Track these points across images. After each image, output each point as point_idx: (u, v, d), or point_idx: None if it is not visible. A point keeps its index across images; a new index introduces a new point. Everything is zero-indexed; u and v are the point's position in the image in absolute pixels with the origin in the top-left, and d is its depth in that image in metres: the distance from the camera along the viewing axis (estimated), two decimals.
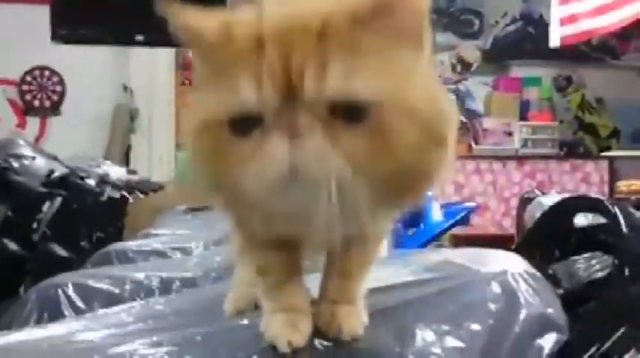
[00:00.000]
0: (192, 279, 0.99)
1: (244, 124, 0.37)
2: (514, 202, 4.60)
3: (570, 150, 5.28)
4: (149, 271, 1.03)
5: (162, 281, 0.98)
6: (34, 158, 1.97)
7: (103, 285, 0.99)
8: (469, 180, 4.58)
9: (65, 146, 4.89)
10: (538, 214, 1.89)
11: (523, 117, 5.53)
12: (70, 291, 1.01)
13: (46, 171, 1.93)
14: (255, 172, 0.36)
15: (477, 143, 5.26)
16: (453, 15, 5.73)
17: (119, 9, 3.94)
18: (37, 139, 5.17)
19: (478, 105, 5.71)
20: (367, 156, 0.36)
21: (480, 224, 4.47)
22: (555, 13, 4.53)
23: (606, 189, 4.63)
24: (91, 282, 1.01)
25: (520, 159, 4.73)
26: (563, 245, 0.78)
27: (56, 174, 1.94)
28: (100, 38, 4.08)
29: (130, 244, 1.58)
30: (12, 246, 1.93)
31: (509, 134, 5.30)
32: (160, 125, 5.22)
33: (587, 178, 4.68)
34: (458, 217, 1.30)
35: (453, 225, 1.30)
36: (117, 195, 2.86)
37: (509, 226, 4.49)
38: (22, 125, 5.16)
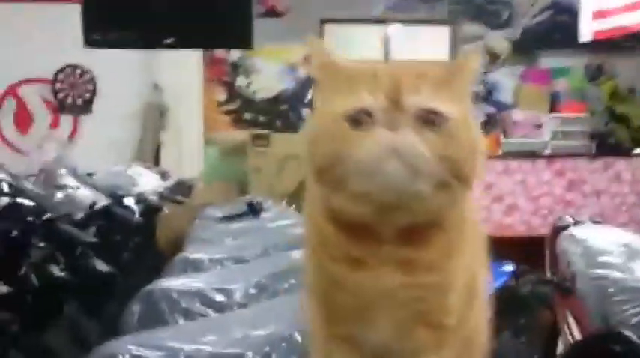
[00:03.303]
0: (240, 355, 1.05)
1: (358, 119, 0.54)
2: (543, 202, 4.58)
3: (601, 142, 5.21)
4: (200, 343, 1.09)
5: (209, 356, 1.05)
6: (77, 188, 2.04)
7: None
8: (498, 180, 4.57)
9: (98, 144, 5.00)
10: (572, 248, 1.90)
11: (553, 108, 5.47)
12: None
13: (88, 202, 1.99)
14: (366, 149, 0.53)
15: (505, 136, 5.22)
16: (482, 5, 5.65)
17: (149, 13, 3.99)
18: (71, 137, 5.29)
19: (507, 97, 5.65)
20: (438, 149, 0.54)
21: (509, 224, 4.47)
22: (586, 7, 4.45)
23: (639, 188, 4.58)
24: (147, 353, 1.07)
25: (550, 158, 4.68)
26: None
27: (99, 205, 2.00)
28: (131, 42, 4.14)
29: (173, 284, 1.64)
30: (55, 270, 2.00)
31: (539, 126, 5.25)
32: (189, 122, 5.29)
33: (618, 176, 4.62)
34: (495, 286, 1.32)
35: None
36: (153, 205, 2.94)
37: (538, 226, 4.47)
38: (55, 123, 5.28)
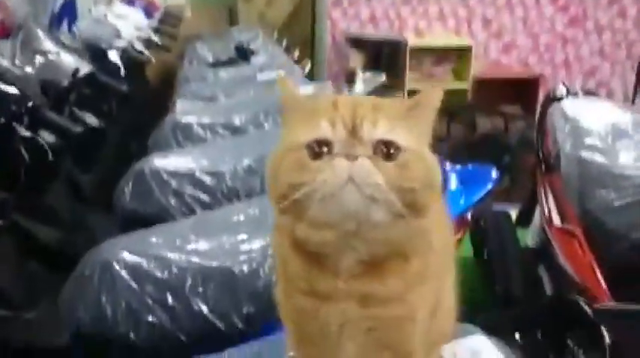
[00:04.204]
0: (229, 272, 1.11)
1: (318, 149, 0.56)
2: (543, 39, 4.43)
3: None
4: (191, 253, 1.15)
5: (199, 269, 1.11)
6: (58, 53, 1.97)
7: (154, 270, 1.12)
8: (498, 15, 4.36)
9: None
10: (560, 125, 1.90)
11: None
12: (124, 272, 1.14)
13: (71, 69, 1.94)
14: (324, 178, 0.55)
15: None
16: None
17: None
18: None
19: None
20: (393, 179, 0.55)
21: (505, 62, 4.36)
22: None
23: None
24: (142, 263, 1.14)
25: None
26: None
27: (82, 72, 1.95)
28: None
29: (164, 164, 1.66)
30: (45, 136, 2.00)
31: None
32: None
33: (623, 12, 4.41)
34: (477, 197, 1.31)
35: (472, 205, 1.31)
36: (140, 55, 2.85)
37: (535, 64, 4.39)
38: None
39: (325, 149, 0.56)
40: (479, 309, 1.87)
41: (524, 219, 2.25)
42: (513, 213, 2.30)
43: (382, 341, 0.61)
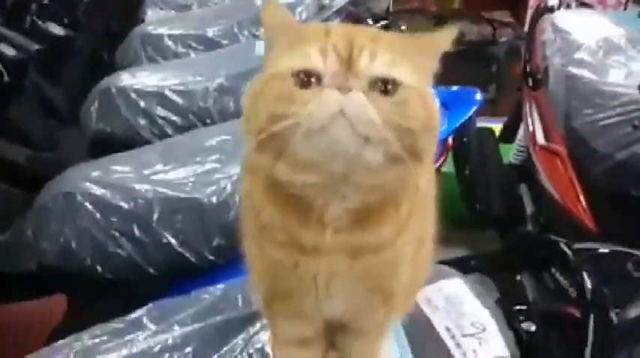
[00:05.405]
0: (198, 203, 1.06)
1: (306, 79, 0.49)
2: None
3: None
4: (156, 183, 1.09)
5: (167, 200, 1.06)
6: None
7: (120, 201, 1.07)
8: None
9: None
10: (550, 39, 1.80)
11: None
12: (88, 204, 1.08)
13: None
14: (312, 109, 0.48)
15: None
16: None
17: None
18: None
19: None
20: (390, 117, 0.49)
21: None
22: None
23: None
24: (106, 194, 1.08)
25: None
26: None
27: None
28: None
29: (131, 82, 1.57)
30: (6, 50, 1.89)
31: None
32: None
33: None
34: (461, 121, 1.22)
35: (455, 130, 1.22)
36: None
37: None
38: None
39: (314, 80, 0.49)
40: (459, 227, 1.87)
41: (509, 134, 2.21)
42: (498, 127, 2.26)
43: (372, 287, 0.58)
